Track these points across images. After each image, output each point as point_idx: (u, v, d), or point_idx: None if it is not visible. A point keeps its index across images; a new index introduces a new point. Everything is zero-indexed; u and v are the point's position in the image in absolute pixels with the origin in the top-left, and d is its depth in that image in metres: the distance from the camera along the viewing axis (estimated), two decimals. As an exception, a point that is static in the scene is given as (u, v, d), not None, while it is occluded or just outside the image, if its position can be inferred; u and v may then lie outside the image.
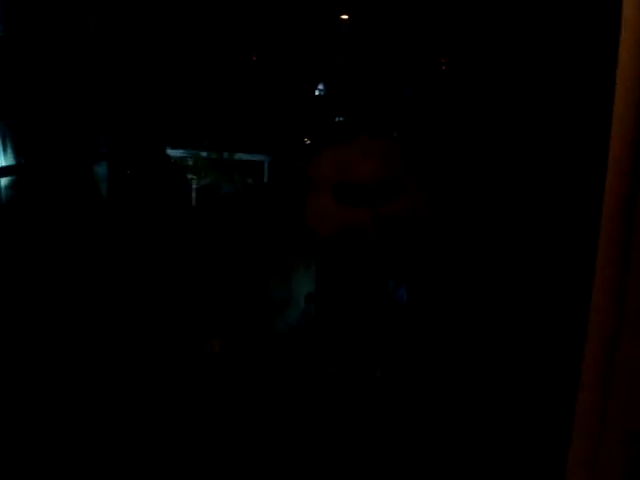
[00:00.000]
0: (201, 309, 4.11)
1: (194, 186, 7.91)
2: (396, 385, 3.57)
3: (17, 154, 5.05)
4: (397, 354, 3.76)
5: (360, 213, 3.70)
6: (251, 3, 7.52)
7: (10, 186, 5.00)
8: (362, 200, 3.72)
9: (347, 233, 3.73)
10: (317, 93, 8.83)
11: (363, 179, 3.74)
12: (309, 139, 8.08)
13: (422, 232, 3.74)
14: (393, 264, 3.98)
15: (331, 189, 3.78)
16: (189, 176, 7.83)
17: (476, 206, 3.89)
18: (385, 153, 3.88)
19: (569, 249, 3.16)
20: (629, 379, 1.14)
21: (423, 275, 3.96)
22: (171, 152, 7.90)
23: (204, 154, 7.79)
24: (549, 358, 3.06)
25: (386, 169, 3.77)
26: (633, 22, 1.09)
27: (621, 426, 1.16)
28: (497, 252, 3.68)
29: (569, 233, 3.22)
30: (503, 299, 3.51)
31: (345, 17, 8.25)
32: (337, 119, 8.41)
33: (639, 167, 1.10)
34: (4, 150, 5.00)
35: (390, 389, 3.55)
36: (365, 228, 3.69)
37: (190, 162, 7.86)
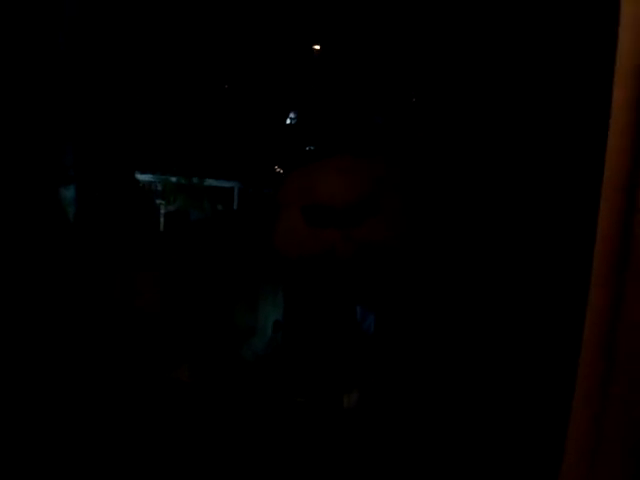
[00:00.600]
0: (168, 335, 4.05)
1: (162, 211, 7.85)
2: (366, 414, 3.53)
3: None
4: (366, 383, 3.73)
5: (330, 234, 3.65)
6: (224, 31, 7.55)
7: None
8: (332, 221, 3.66)
9: (317, 255, 3.68)
10: (288, 122, 8.86)
11: (332, 200, 3.70)
12: (280, 167, 8.10)
13: (397, 256, 3.70)
14: (363, 290, 3.93)
15: (300, 211, 3.73)
16: (158, 201, 7.77)
17: (459, 228, 3.85)
18: (357, 171, 3.83)
19: (562, 276, 3.15)
20: (628, 384, 1.13)
21: (396, 302, 3.92)
22: (140, 176, 7.84)
23: (173, 179, 7.75)
24: (535, 384, 3.04)
25: (357, 189, 3.73)
26: (632, 20, 1.08)
27: (619, 435, 1.14)
28: (482, 277, 3.65)
29: (562, 257, 3.20)
30: (485, 327, 3.49)
31: (317, 47, 8.32)
32: (308, 148, 8.45)
33: (637, 167, 1.10)
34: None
35: (359, 418, 3.51)
36: (335, 250, 3.64)
37: (159, 187, 7.81)
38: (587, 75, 3.13)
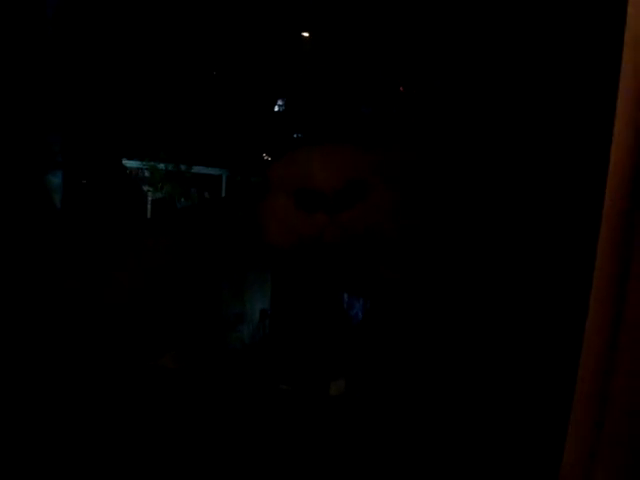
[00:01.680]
0: (154, 322, 4.06)
1: (150, 198, 7.84)
2: (352, 401, 3.56)
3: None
4: (352, 370, 3.75)
5: (318, 219, 3.64)
6: (212, 18, 7.52)
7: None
8: (321, 205, 3.65)
9: (304, 240, 3.67)
10: (276, 109, 8.86)
11: (321, 185, 3.68)
12: (267, 154, 8.09)
13: (387, 244, 3.69)
14: (350, 277, 3.93)
15: (286, 194, 3.72)
16: (145, 188, 7.76)
17: (457, 220, 3.82)
18: (347, 156, 3.81)
19: (562, 275, 3.15)
20: (629, 384, 1.13)
21: (384, 290, 3.92)
22: (127, 163, 7.82)
23: (161, 166, 7.74)
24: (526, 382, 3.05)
25: (347, 173, 3.71)
26: (636, 20, 1.08)
27: (619, 438, 1.15)
28: (477, 268, 3.64)
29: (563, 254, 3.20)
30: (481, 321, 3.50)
31: (306, 34, 8.30)
32: (295, 135, 8.45)
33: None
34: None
35: (346, 405, 3.54)
36: (323, 236, 3.64)
37: (146, 174, 7.80)
38: (593, 65, 3.13)
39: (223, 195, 8.17)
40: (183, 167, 7.76)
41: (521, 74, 3.78)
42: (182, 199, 7.73)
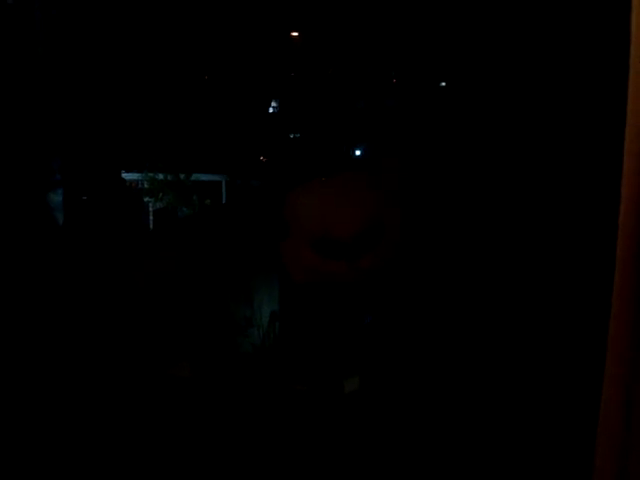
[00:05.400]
0: (165, 332, 4.06)
1: (151, 209, 7.84)
2: (367, 399, 3.56)
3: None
4: (366, 368, 3.76)
5: (339, 266, 3.64)
6: (202, 21, 7.52)
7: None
8: (341, 254, 3.66)
9: (325, 283, 3.70)
10: (271, 110, 8.85)
11: (342, 234, 3.67)
12: (265, 157, 8.09)
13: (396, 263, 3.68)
14: (363, 299, 3.95)
15: (306, 241, 3.71)
16: (145, 199, 7.76)
17: (459, 227, 3.80)
18: (363, 198, 3.77)
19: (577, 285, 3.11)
20: None
21: (394, 294, 3.91)
22: (126, 175, 7.83)
23: (160, 176, 7.74)
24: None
25: (365, 218, 3.69)
26: None
27: None
28: (477, 271, 3.61)
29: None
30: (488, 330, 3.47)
31: (296, 34, 8.30)
32: (292, 135, 8.44)
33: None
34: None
35: (361, 404, 3.54)
36: (344, 279, 3.65)
37: (146, 185, 7.80)
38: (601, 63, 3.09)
39: (224, 201, 8.18)
40: (182, 176, 7.76)
41: (523, 68, 3.75)
42: (183, 208, 7.73)
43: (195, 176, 7.93)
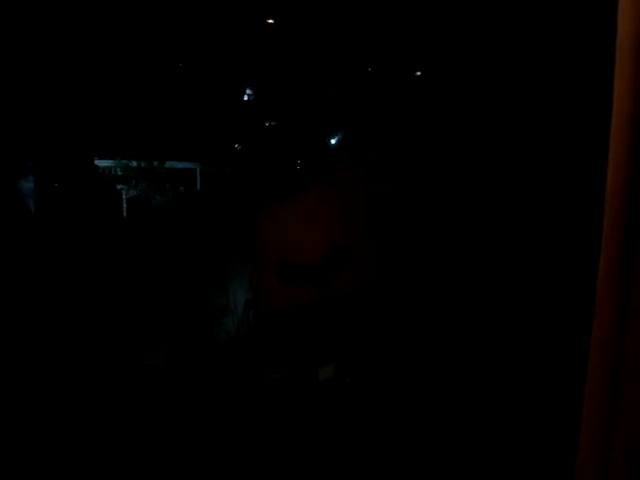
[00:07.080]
0: (139, 320, 4.04)
1: (124, 197, 7.76)
2: (341, 386, 3.58)
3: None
4: (340, 356, 3.77)
5: (309, 293, 3.64)
6: (177, 9, 7.45)
7: None
8: (309, 279, 3.65)
9: (296, 307, 3.70)
10: (246, 98, 8.80)
11: (305, 258, 3.66)
12: (239, 144, 8.04)
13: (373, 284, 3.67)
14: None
15: (274, 268, 3.70)
16: (119, 187, 7.68)
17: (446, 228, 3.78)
18: (325, 220, 3.75)
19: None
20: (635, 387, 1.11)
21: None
22: (99, 162, 7.73)
23: (133, 163, 7.65)
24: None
25: (330, 240, 3.68)
26: (629, 19, 1.07)
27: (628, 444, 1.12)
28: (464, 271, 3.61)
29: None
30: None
31: (271, 21, 8.25)
32: (267, 123, 8.40)
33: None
34: None
35: (335, 390, 3.56)
36: (313, 306, 3.65)
37: (119, 172, 7.71)
38: (588, 61, 3.09)
39: (198, 188, 8.13)
40: (156, 163, 7.68)
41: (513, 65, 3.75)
42: (157, 196, 7.65)
43: (169, 164, 7.86)
